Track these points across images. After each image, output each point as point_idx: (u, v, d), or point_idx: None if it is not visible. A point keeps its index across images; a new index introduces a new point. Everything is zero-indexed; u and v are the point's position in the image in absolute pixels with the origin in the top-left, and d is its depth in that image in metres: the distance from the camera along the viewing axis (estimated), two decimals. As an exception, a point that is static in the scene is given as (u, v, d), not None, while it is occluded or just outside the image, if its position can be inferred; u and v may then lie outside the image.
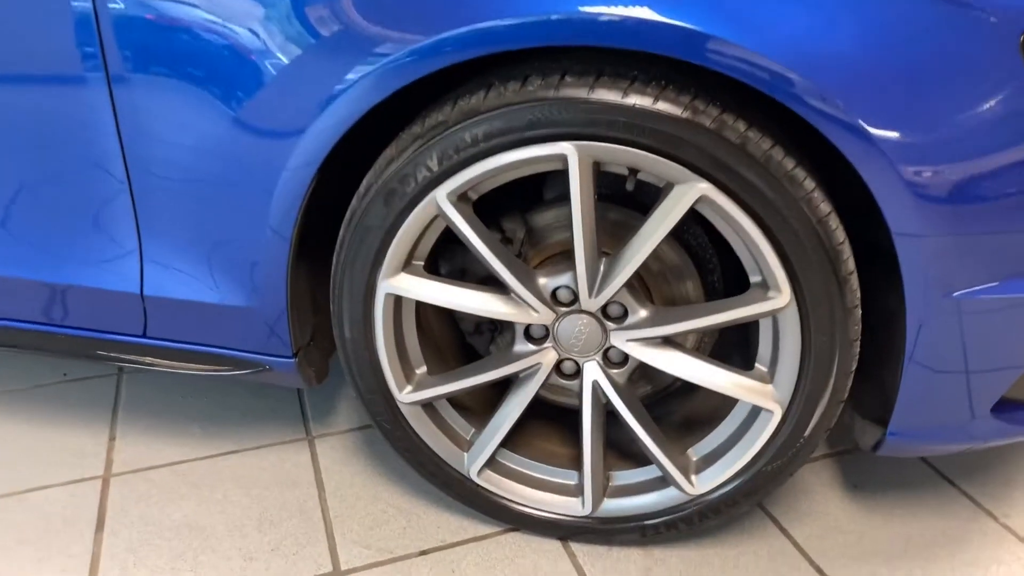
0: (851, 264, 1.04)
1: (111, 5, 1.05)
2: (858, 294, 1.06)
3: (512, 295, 1.16)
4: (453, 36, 0.97)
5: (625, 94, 0.97)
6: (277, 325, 1.26)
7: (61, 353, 1.40)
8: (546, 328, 1.19)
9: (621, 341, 1.17)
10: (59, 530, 1.35)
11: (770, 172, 0.98)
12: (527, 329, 1.22)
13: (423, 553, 1.32)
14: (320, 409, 1.66)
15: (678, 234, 1.24)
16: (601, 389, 1.21)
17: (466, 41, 0.97)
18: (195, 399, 1.68)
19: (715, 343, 1.35)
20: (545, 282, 1.17)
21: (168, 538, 1.34)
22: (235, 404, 1.67)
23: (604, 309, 1.17)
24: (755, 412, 1.18)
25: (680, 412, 1.37)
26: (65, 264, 1.27)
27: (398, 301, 1.20)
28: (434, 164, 1.06)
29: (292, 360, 1.30)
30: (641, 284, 1.23)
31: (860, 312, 1.07)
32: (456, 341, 1.42)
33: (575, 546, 1.33)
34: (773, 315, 1.08)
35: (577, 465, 1.30)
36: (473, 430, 1.32)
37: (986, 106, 0.93)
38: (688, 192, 1.01)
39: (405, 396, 1.25)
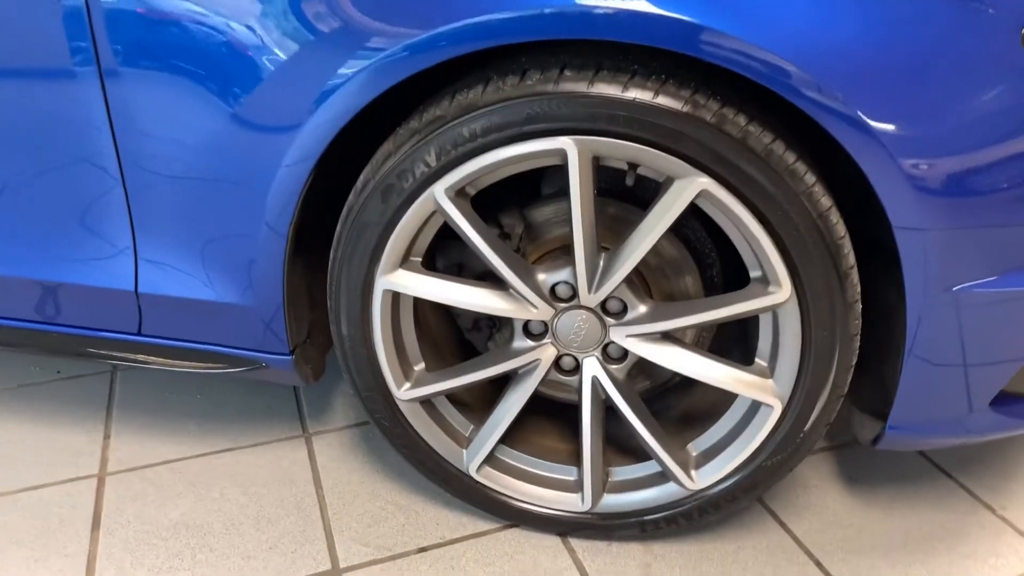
0: (852, 259, 1.04)
1: (103, -1, 1.04)
2: (858, 289, 1.06)
3: (511, 291, 1.15)
4: (448, 31, 0.96)
5: (625, 88, 0.96)
6: (273, 322, 1.25)
7: (55, 351, 1.39)
8: (545, 324, 1.19)
9: (620, 337, 1.17)
10: (55, 530, 1.34)
11: (771, 167, 0.98)
12: (526, 325, 1.22)
13: (422, 550, 1.31)
14: (317, 406, 1.66)
15: (677, 229, 1.23)
16: (600, 385, 1.21)
17: (461, 36, 0.96)
18: (190, 396, 1.67)
19: (713, 338, 1.34)
20: (544, 278, 1.16)
21: (165, 537, 1.33)
22: (231, 401, 1.66)
23: (603, 305, 1.16)
24: (755, 407, 1.18)
25: (679, 407, 1.37)
26: (58, 262, 1.26)
27: (396, 297, 1.19)
28: (432, 159, 1.05)
29: (289, 357, 1.29)
30: (640, 279, 1.22)
31: (860, 307, 1.07)
32: (454, 337, 1.42)
33: (575, 542, 1.33)
34: (773, 310, 1.08)
35: (576, 461, 1.29)
36: (472, 426, 1.31)
37: (987, 98, 0.93)
38: (688, 187, 1.00)
39: (403, 393, 1.24)
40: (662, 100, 0.96)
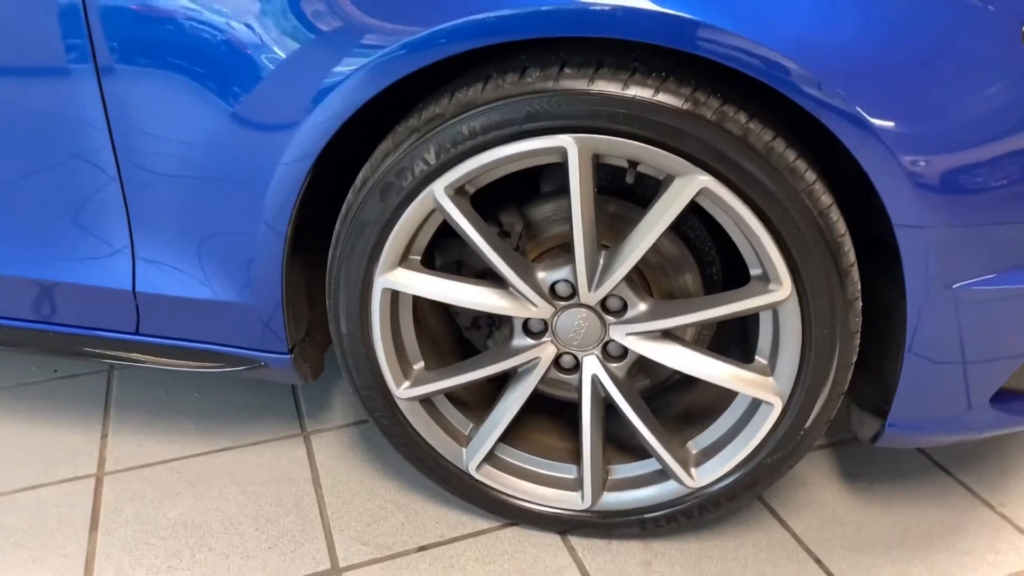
0: (852, 256, 1.04)
1: (99, -4, 1.03)
2: (859, 286, 1.06)
3: (510, 289, 1.15)
4: (446, 28, 0.95)
5: (625, 86, 0.96)
6: (272, 321, 1.24)
7: (53, 351, 1.38)
8: (545, 322, 1.19)
9: (620, 335, 1.17)
10: (53, 530, 1.34)
11: (772, 164, 0.97)
12: (525, 323, 1.21)
13: (422, 549, 1.31)
14: (315, 404, 1.65)
15: (676, 226, 1.23)
16: (600, 383, 1.20)
17: (459, 33, 0.96)
18: (188, 395, 1.67)
19: (713, 336, 1.34)
20: (544, 276, 1.16)
21: (164, 537, 1.33)
22: (229, 400, 1.66)
23: (603, 303, 1.16)
24: (755, 405, 1.18)
25: (679, 405, 1.36)
26: (55, 261, 1.25)
27: (395, 296, 1.18)
28: (431, 157, 1.05)
29: (288, 356, 1.28)
30: (640, 277, 1.22)
31: (860, 304, 1.07)
32: (453, 336, 1.42)
33: (574, 540, 1.33)
34: (774, 308, 1.08)
35: (576, 459, 1.29)
36: (471, 425, 1.31)
37: (988, 95, 0.93)
38: (689, 185, 1.00)
39: (403, 392, 1.24)
40: (663, 98, 0.96)
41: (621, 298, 1.16)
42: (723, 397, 1.22)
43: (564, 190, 1.06)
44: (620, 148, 1.00)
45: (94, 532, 1.34)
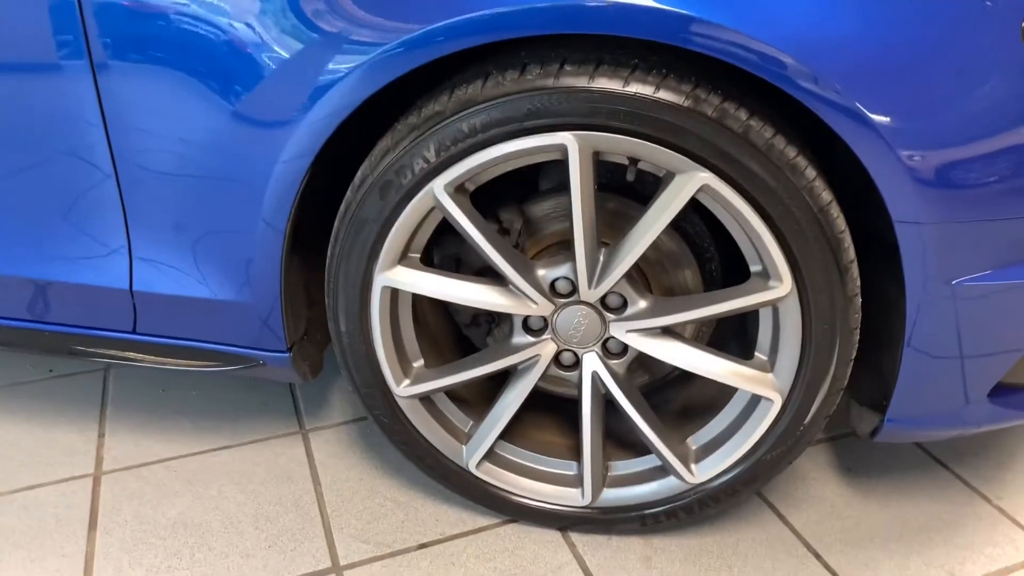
0: (851, 253, 1.04)
1: (95, -8, 1.02)
2: (858, 282, 1.06)
3: (510, 287, 1.15)
4: (444, 26, 0.95)
5: (626, 83, 0.96)
6: (271, 319, 1.24)
7: (49, 350, 1.37)
8: (545, 320, 1.18)
9: (620, 332, 1.17)
10: (51, 530, 1.33)
11: (772, 161, 0.97)
12: (525, 321, 1.21)
13: (422, 546, 1.31)
14: (313, 402, 1.65)
15: (676, 223, 1.22)
16: (600, 380, 1.21)
17: (457, 31, 0.95)
18: (185, 394, 1.66)
19: (713, 332, 1.34)
20: (544, 273, 1.16)
21: (163, 536, 1.32)
22: (227, 398, 1.65)
23: (603, 300, 1.16)
24: (755, 401, 1.18)
25: (679, 401, 1.37)
26: (51, 260, 1.25)
27: (394, 294, 1.18)
28: (431, 155, 1.04)
29: (286, 355, 1.28)
30: (640, 274, 1.22)
31: (860, 300, 1.07)
32: (453, 333, 1.41)
33: (575, 536, 1.33)
34: (774, 304, 1.08)
35: (576, 455, 1.29)
36: (471, 422, 1.31)
37: (987, 91, 0.93)
38: (689, 182, 1.00)
39: (402, 390, 1.23)
40: (663, 95, 0.96)
41: (621, 295, 1.16)
42: (723, 393, 1.22)
43: (564, 187, 1.05)
44: (621, 145, 1.00)
45: (92, 532, 1.33)
